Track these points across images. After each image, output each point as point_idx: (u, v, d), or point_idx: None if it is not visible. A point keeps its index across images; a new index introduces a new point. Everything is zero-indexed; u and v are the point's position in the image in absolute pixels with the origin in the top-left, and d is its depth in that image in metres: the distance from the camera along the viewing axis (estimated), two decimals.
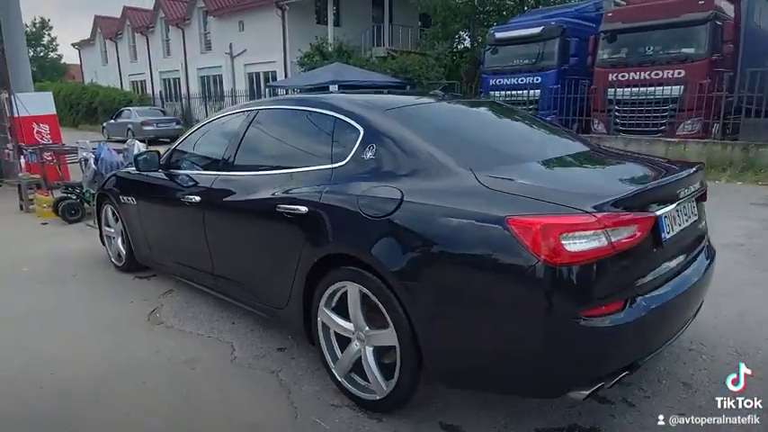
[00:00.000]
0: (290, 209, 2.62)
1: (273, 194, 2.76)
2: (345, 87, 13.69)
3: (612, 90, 11.05)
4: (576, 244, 1.84)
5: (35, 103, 8.98)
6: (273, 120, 3.24)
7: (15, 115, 8.70)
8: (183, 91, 24.96)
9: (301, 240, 2.58)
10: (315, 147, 2.82)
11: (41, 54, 45.03)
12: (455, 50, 16.71)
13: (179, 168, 3.72)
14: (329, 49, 16.51)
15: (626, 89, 10.93)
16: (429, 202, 2.15)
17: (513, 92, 12.77)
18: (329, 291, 2.50)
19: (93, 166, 6.29)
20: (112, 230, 4.66)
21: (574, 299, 1.86)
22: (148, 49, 27.65)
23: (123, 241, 4.50)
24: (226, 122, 3.58)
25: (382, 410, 2.40)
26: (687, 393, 2.52)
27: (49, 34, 43.77)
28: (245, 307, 3.27)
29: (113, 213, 4.54)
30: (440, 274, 2.09)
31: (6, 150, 9.56)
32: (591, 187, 2.19)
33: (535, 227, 1.85)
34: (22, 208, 7.58)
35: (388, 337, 2.26)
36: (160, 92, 26.45)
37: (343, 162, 2.58)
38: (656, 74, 10.56)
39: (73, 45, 35.14)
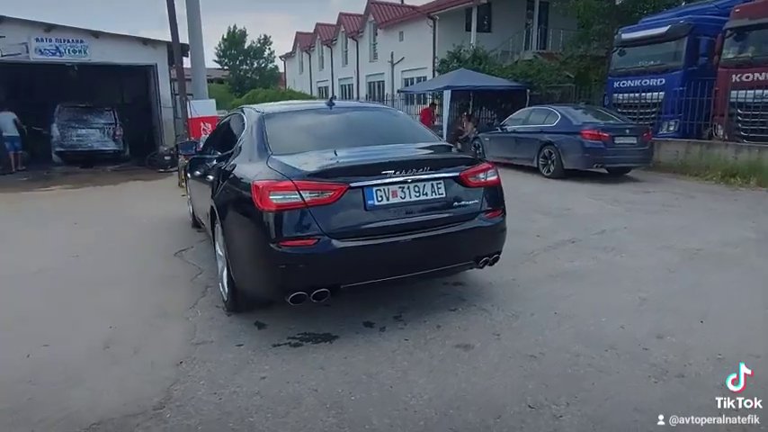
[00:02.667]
0: (209, 179, 4.06)
1: (213, 168, 4.22)
2: (459, 92, 14.71)
3: (735, 92, 10.04)
4: (280, 199, 2.93)
5: (203, 108, 11.94)
6: (231, 121, 4.72)
7: (190, 117, 11.73)
8: (355, 95, 28.21)
9: (211, 197, 4.00)
10: (235, 138, 4.20)
11: (262, 65, 53.00)
12: (588, 52, 16.09)
13: (203, 153, 5.43)
14: (466, 55, 17.42)
15: (750, 91, 9.85)
16: (240, 172, 3.38)
17: (636, 94, 12.23)
18: (216, 229, 3.86)
19: None
20: (188, 197, 6.64)
21: (275, 233, 2.94)
22: (332, 59, 31.70)
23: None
24: (225, 122, 5.16)
25: (229, 309, 3.68)
26: (433, 331, 3.29)
27: (269, 48, 51.60)
28: None
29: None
30: (230, 215, 3.34)
31: None
32: (317, 163, 3.13)
33: (258, 187, 2.99)
34: (179, 184, 10.40)
35: (224, 259, 3.55)
36: (334, 95, 30.22)
37: (234, 148, 3.91)
38: None
39: (280, 57, 41.66)
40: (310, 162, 3.16)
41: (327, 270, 3.01)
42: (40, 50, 13.21)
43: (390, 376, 2.73)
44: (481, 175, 3.44)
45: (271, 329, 3.43)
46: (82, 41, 13.56)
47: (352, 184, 3.00)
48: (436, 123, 16.02)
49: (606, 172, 10.12)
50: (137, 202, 8.78)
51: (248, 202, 3.08)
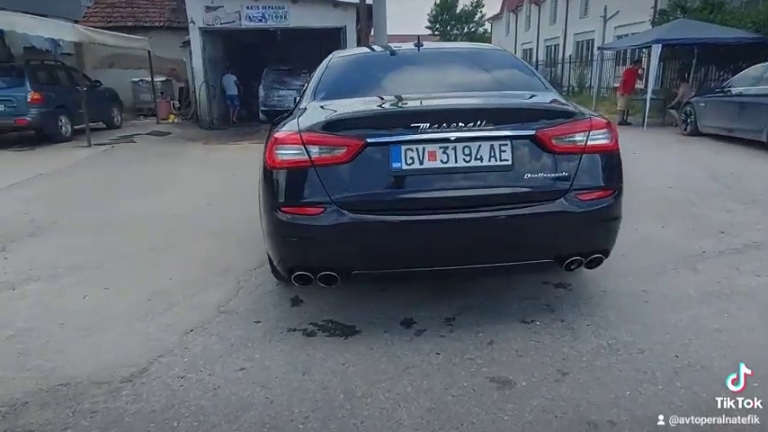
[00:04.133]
0: None
1: None
2: (680, 49, 11.93)
3: None
4: (285, 155, 2.35)
5: None
6: None
7: None
8: (560, 56, 25.68)
9: None
10: None
11: (472, 29, 51.93)
12: None
13: None
14: (695, 3, 14.04)
15: None
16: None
17: None
18: None
19: None
20: None
21: (276, 196, 2.39)
22: (539, 18, 29.24)
23: None
24: None
25: (275, 277, 3.27)
26: (480, 348, 2.40)
27: (480, 11, 50.18)
28: None
29: None
30: (260, 173, 2.86)
31: None
32: (336, 112, 2.43)
33: (272, 139, 2.45)
34: None
35: None
36: (536, 59, 27.89)
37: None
38: None
39: (488, 20, 40.10)
40: (335, 110, 2.49)
41: (335, 249, 2.35)
42: (249, 17, 14.57)
43: (375, 405, 2.00)
44: (578, 137, 2.33)
45: (302, 309, 2.95)
46: (283, 8, 14.57)
47: (370, 140, 2.24)
48: (639, 87, 13.42)
49: None
50: None
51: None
